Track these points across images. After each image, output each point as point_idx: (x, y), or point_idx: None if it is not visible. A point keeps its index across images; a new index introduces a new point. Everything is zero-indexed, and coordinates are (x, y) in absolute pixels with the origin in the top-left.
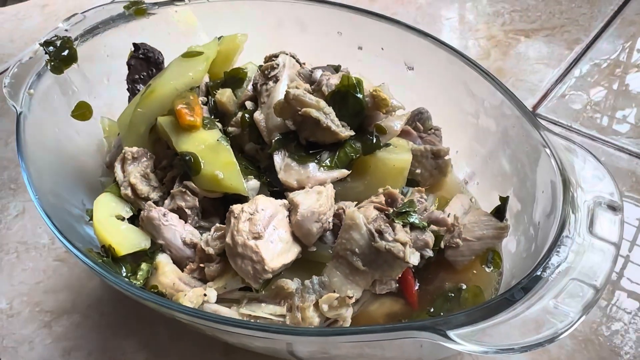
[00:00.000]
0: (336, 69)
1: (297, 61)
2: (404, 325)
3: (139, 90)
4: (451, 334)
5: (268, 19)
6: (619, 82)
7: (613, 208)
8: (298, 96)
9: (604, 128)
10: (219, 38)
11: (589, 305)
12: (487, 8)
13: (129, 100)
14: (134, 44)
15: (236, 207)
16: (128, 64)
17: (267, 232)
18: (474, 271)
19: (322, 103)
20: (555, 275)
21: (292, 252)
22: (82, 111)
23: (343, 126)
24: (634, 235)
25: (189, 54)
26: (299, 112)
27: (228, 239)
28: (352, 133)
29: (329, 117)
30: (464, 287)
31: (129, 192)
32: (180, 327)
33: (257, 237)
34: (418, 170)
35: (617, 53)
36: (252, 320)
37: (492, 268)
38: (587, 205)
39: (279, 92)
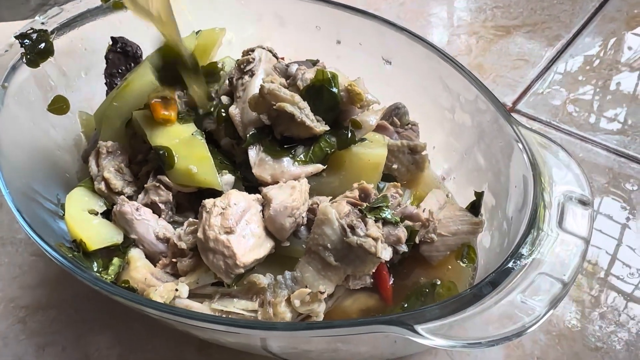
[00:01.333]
0: (314, 63)
1: (275, 55)
2: (372, 320)
3: (116, 85)
4: (419, 328)
5: (247, 13)
6: (599, 79)
7: (583, 202)
8: (272, 90)
9: (583, 124)
10: (197, 32)
11: (556, 300)
12: (469, 4)
13: (107, 94)
14: (112, 38)
15: (208, 202)
16: (106, 57)
17: (239, 227)
18: (449, 266)
19: (297, 97)
20: (524, 270)
21: (264, 247)
22: (59, 105)
23: (318, 121)
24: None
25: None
26: (274, 107)
27: (200, 234)
28: (327, 128)
29: (304, 112)
30: (439, 282)
31: (102, 186)
32: (156, 322)
33: (229, 231)
34: (395, 166)
35: (597, 50)
36: (224, 316)
37: (467, 263)
38: (557, 200)
39: (254, 87)
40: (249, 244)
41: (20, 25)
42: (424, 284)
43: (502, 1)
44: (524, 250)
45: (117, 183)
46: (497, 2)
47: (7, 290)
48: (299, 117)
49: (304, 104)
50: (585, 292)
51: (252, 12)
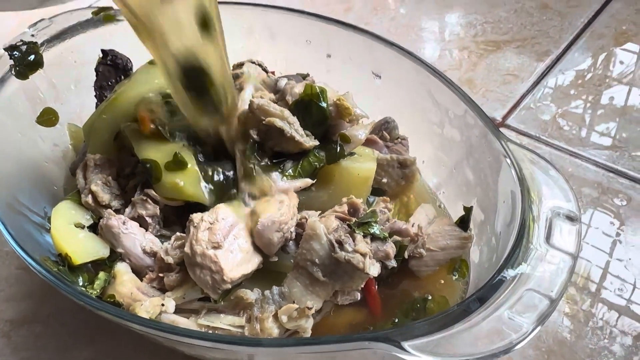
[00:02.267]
0: (304, 77)
1: (265, 69)
2: (358, 336)
3: (106, 97)
4: (406, 345)
5: (238, 26)
6: (589, 94)
7: (571, 218)
8: (262, 105)
9: (572, 139)
10: None
11: (543, 316)
12: (460, 19)
13: (97, 106)
14: (102, 51)
15: (196, 216)
16: (96, 70)
17: (226, 242)
18: (442, 281)
19: (286, 112)
20: (512, 286)
21: (252, 262)
22: (48, 117)
23: (307, 135)
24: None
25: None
26: (263, 122)
27: (187, 249)
28: (317, 143)
29: (293, 127)
30: (430, 297)
31: (89, 199)
32: (142, 337)
33: (217, 246)
34: (384, 180)
35: (587, 65)
36: (210, 332)
37: (457, 277)
38: (545, 216)
39: (243, 102)
40: (236, 259)
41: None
42: (415, 300)
43: (492, 17)
44: (512, 266)
45: (104, 196)
46: (487, 18)
47: None
48: (288, 132)
49: (294, 119)
50: (576, 307)
51: (242, 26)
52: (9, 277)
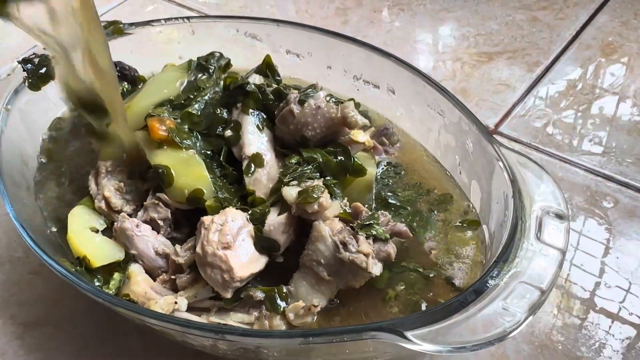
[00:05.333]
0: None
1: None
2: (362, 327)
3: None
4: (408, 334)
5: (241, 39)
6: (577, 103)
7: (560, 216)
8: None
9: (562, 145)
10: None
11: (534, 306)
12: (453, 32)
13: None
14: None
15: (206, 219)
16: None
17: (236, 243)
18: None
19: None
20: (505, 279)
21: (260, 262)
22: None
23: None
24: (576, 243)
25: (165, 72)
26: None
27: (198, 249)
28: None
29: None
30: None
31: (102, 204)
32: (152, 338)
33: (227, 247)
34: None
35: (575, 75)
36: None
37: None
38: (536, 214)
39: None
40: (245, 258)
41: None
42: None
43: (484, 29)
44: (505, 261)
45: (117, 202)
46: (480, 30)
47: (5, 308)
48: None
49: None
50: (567, 311)
51: (245, 39)
52: (21, 281)
